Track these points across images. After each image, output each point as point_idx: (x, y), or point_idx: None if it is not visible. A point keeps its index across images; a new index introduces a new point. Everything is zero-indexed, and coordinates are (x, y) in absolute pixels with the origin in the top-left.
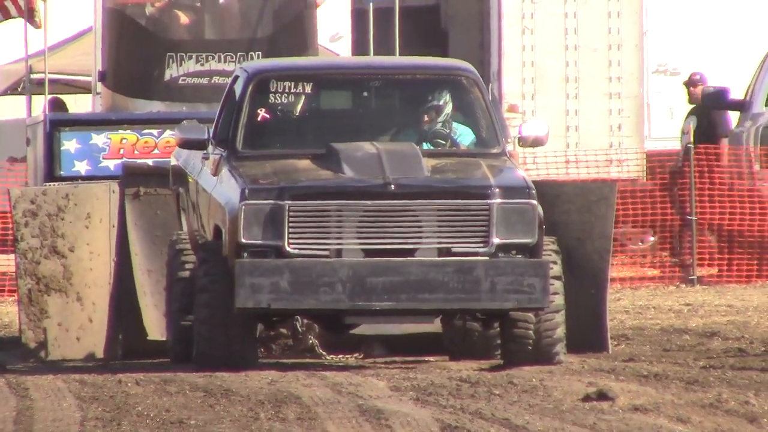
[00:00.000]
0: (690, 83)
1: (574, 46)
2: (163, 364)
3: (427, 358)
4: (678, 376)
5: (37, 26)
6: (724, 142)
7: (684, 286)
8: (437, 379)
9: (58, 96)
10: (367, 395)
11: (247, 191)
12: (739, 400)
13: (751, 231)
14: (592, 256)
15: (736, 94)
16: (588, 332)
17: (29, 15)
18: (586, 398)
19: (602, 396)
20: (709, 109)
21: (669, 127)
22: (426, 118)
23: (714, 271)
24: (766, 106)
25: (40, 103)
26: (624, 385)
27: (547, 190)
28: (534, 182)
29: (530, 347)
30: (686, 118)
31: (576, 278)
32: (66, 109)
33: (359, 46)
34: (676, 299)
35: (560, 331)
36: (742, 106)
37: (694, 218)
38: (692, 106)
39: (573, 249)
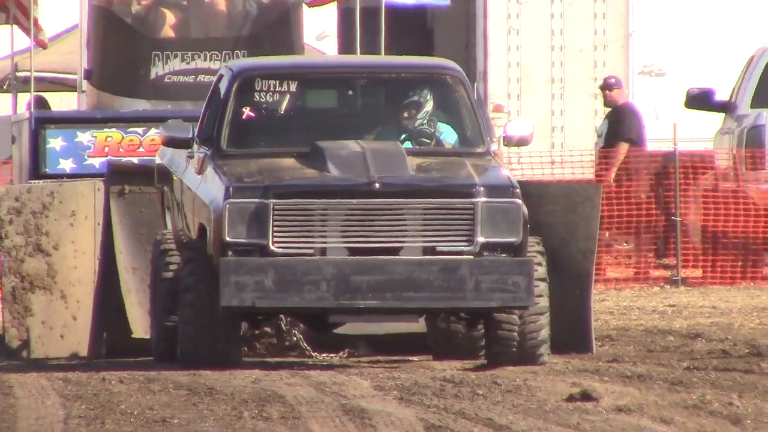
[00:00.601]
0: (605, 87)
1: (560, 47)
2: (147, 362)
3: (411, 358)
4: (662, 377)
5: (43, 45)
6: (624, 146)
7: (668, 287)
8: (421, 379)
9: (41, 94)
10: (350, 394)
11: (231, 189)
12: (723, 402)
13: (736, 233)
14: (576, 256)
15: (722, 95)
16: (572, 333)
17: (35, 33)
18: (570, 398)
19: (586, 396)
20: (619, 115)
21: (654, 128)
22: (405, 114)
23: (698, 272)
24: (751, 107)
25: (25, 101)
26: (608, 385)
27: (532, 191)
28: (519, 182)
29: (514, 349)
30: (603, 121)
31: (560, 279)
32: (48, 107)
33: (345, 45)
34: (660, 300)
35: (544, 333)
36: (727, 107)
37: (678, 219)
38: (608, 110)
39: (558, 249)
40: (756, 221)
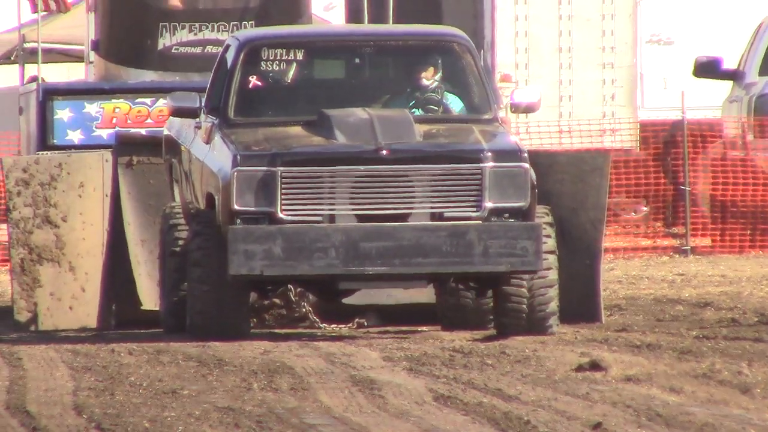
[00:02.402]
0: None
1: (568, 16)
2: (156, 334)
3: (420, 329)
4: (671, 346)
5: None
6: None
7: (677, 256)
8: (430, 350)
9: (39, 74)
10: (360, 365)
11: (239, 158)
12: (732, 371)
13: (745, 201)
14: (585, 226)
15: (730, 63)
16: (581, 302)
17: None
18: (579, 368)
19: (595, 366)
20: None
21: (662, 97)
22: (414, 82)
23: (707, 241)
24: (759, 75)
25: (32, 73)
26: (617, 355)
27: (540, 160)
28: (527, 151)
29: (524, 322)
30: None
31: (569, 248)
32: None
33: (353, 15)
34: (669, 269)
35: (553, 305)
36: (735, 75)
37: (687, 188)
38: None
39: (566, 219)
40: (765, 190)
